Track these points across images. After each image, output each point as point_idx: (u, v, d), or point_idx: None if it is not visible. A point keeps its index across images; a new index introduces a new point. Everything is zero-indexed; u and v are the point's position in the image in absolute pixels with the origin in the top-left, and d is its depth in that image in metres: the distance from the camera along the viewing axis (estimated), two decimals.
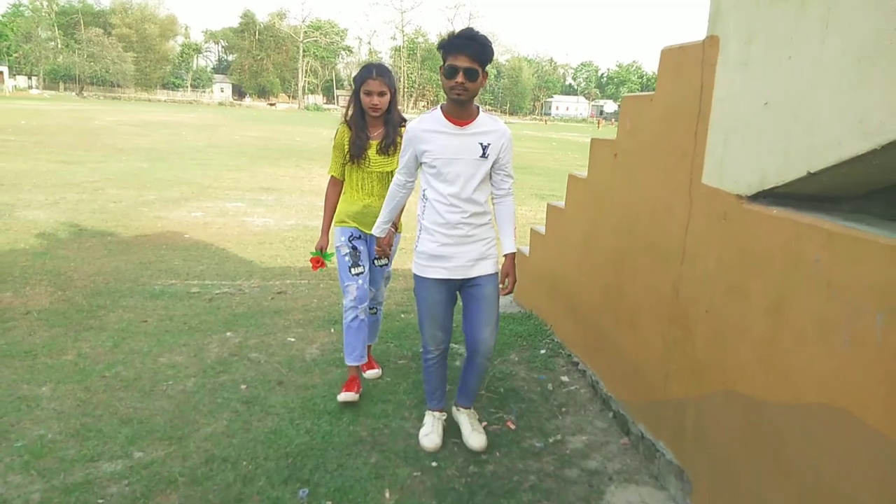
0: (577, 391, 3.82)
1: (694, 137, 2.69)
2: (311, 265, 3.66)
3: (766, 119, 2.25)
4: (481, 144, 2.75)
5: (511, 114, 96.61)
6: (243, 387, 3.71)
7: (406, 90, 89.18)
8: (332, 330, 4.72)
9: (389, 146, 3.40)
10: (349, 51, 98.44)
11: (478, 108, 2.80)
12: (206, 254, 7.21)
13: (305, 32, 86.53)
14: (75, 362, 3.98)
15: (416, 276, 2.95)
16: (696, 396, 2.65)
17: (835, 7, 1.93)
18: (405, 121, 3.43)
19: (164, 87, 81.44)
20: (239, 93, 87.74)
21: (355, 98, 3.36)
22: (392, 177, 3.24)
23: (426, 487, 2.82)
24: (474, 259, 2.86)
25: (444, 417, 3.25)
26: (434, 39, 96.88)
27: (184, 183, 12.65)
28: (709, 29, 2.62)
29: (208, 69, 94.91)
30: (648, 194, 3.16)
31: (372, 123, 3.40)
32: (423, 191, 2.87)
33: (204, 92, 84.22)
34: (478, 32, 2.64)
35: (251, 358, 4.16)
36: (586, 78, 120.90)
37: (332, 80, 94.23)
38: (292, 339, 4.53)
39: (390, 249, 3.42)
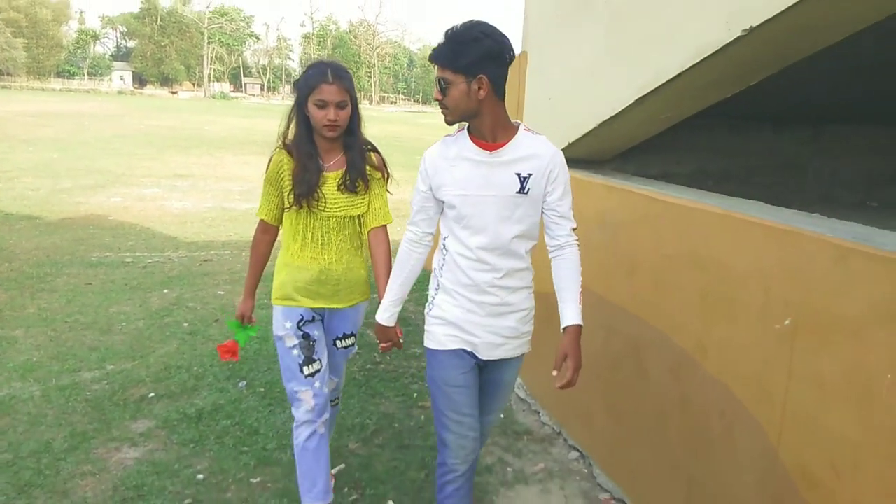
0: None
1: None
2: (218, 354, 2.59)
3: (550, 109, 3.42)
4: (518, 175, 1.97)
5: (425, 103, 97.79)
6: (185, 324, 4.64)
7: None
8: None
9: (357, 180, 2.38)
10: (256, 38, 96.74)
11: (517, 124, 2.04)
12: (132, 232, 7.91)
13: (210, 18, 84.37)
14: (38, 314, 4.77)
15: (429, 353, 2.15)
16: None
17: (582, 38, 3.09)
18: (371, 146, 2.49)
19: (59, 75, 77.49)
20: (140, 81, 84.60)
21: (299, 112, 2.34)
22: (358, 224, 2.47)
23: None
24: (506, 336, 2.10)
25: None
26: (345, 26, 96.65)
27: (96, 171, 12.99)
28: (521, 46, 3.77)
29: (106, 56, 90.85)
30: None
31: (325, 148, 2.39)
32: (444, 239, 2.11)
33: (102, 80, 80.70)
34: (462, 27, 1.92)
35: (189, 306, 5.07)
36: None
37: (239, 68, 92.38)
38: (222, 293, 5.45)
39: (399, 338, 2.30)
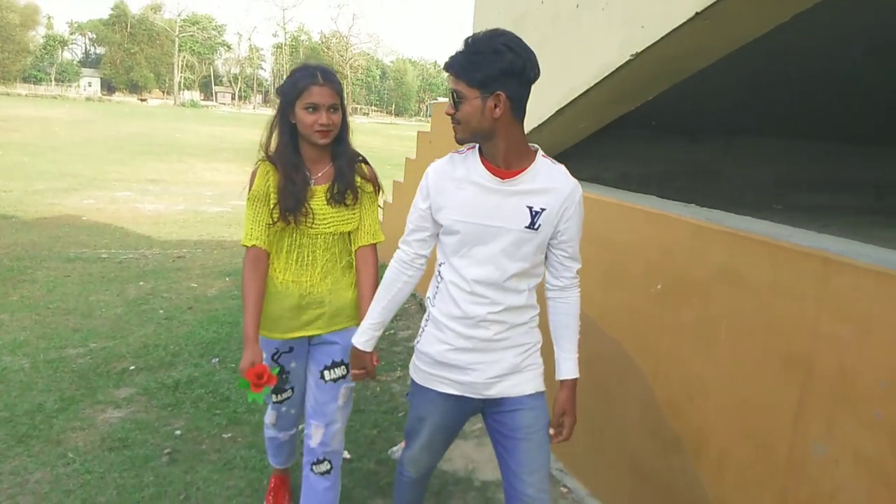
0: (409, 308, 5.42)
1: None
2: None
3: None
4: (531, 210, 1.78)
5: (397, 115, 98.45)
6: (161, 311, 5.02)
7: None
8: (227, 279, 6.06)
9: (346, 192, 2.22)
10: (228, 47, 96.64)
11: (535, 149, 1.85)
12: (106, 231, 8.22)
13: (181, 27, 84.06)
14: (21, 301, 5.11)
15: (413, 383, 2.02)
16: None
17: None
18: (361, 157, 2.33)
19: (25, 80, 76.45)
20: (108, 88, 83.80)
21: (282, 119, 2.18)
22: (347, 241, 2.30)
23: None
24: (502, 373, 1.89)
25: None
26: (317, 37, 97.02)
27: (69, 175, 13.20)
28: None
29: (74, 63, 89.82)
30: None
31: (312, 158, 2.22)
32: (439, 265, 1.93)
33: (70, 86, 79.75)
34: (483, 36, 1.73)
35: (164, 296, 5.44)
36: None
37: (210, 77, 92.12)
38: (195, 285, 5.84)
39: (374, 368, 2.10)
